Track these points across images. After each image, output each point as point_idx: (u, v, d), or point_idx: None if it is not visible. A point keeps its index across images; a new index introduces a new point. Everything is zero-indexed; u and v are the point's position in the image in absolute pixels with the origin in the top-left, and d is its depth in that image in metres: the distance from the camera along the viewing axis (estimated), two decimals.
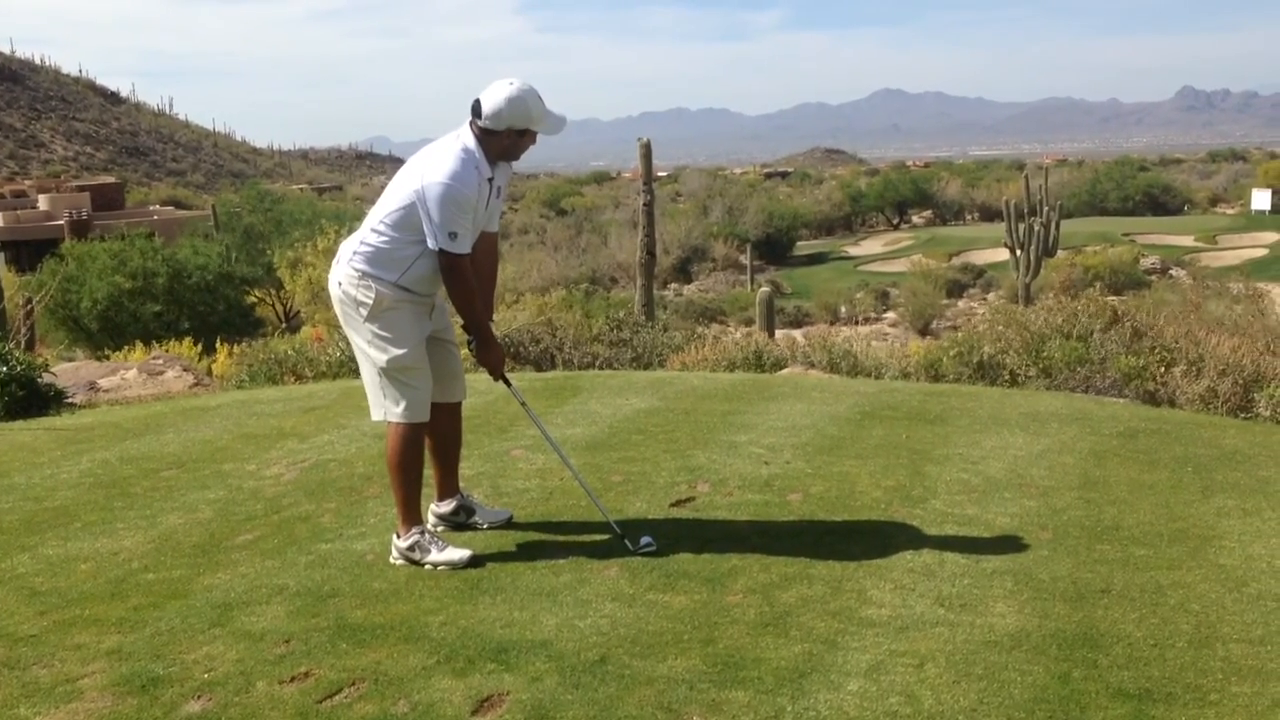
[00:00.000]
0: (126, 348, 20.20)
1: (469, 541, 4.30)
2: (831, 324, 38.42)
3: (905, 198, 71.26)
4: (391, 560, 4.18)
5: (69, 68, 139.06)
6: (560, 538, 4.32)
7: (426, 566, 4.12)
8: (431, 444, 4.43)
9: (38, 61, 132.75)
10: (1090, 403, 6.51)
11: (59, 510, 5.02)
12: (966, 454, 5.27)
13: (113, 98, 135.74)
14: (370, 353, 4.18)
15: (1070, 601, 3.56)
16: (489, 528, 4.48)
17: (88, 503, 5.11)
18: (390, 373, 4.18)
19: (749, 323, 36.39)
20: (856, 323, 38.72)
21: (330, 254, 14.03)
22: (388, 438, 4.25)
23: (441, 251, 4.00)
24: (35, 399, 7.30)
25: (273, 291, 37.63)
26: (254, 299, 33.99)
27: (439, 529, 4.45)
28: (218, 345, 19.29)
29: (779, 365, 8.46)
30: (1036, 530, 4.20)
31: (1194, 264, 44.65)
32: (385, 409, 4.24)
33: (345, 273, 4.12)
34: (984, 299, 41.67)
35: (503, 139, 4.06)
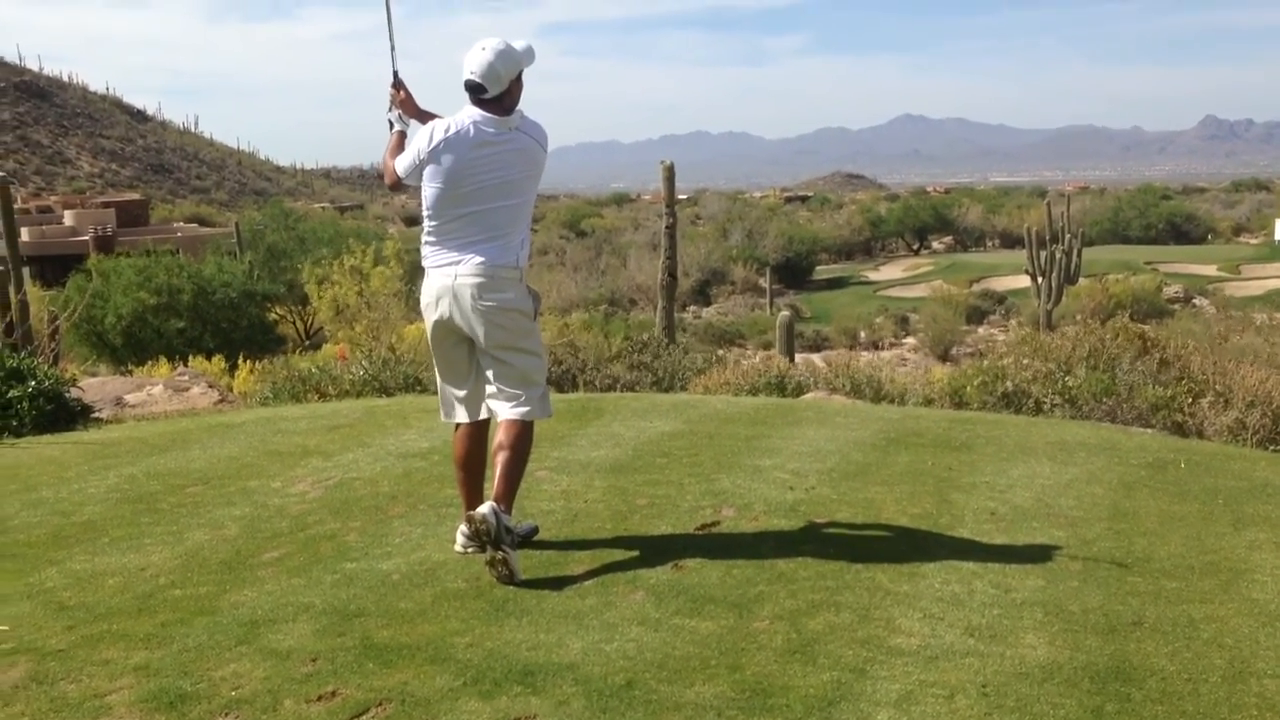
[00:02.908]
0: (151, 363, 20.36)
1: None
2: (851, 348, 38.34)
3: (925, 223, 71.33)
4: (484, 515, 4.01)
5: (96, 85, 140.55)
6: (586, 561, 4.31)
7: (499, 555, 4.04)
8: (469, 461, 4.50)
9: (65, 79, 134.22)
10: (1118, 433, 6.48)
11: (87, 525, 5.04)
12: (993, 482, 5.24)
13: (139, 115, 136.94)
14: (541, 351, 4.45)
15: (1102, 634, 3.53)
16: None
17: (115, 518, 5.13)
18: (545, 371, 4.48)
19: (768, 346, 36.35)
20: (877, 348, 38.68)
21: (358, 272, 14.29)
22: (520, 433, 4.31)
23: None
24: (63, 413, 7.36)
25: (294, 309, 37.93)
26: (276, 316, 34.24)
27: (469, 550, 4.44)
28: (240, 361, 19.43)
29: (801, 390, 8.44)
30: (1066, 561, 4.17)
31: (1217, 294, 44.46)
32: (541, 408, 4.39)
33: (511, 290, 4.26)
34: (1005, 326, 41.56)
35: (514, 92, 4.25)
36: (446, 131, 4.26)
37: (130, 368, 21.55)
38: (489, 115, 4.24)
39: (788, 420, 6.74)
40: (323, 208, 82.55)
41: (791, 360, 20.25)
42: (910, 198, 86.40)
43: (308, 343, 32.49)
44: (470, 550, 4.45)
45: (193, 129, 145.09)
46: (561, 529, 4.71)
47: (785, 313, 21.02)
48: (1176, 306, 41.93)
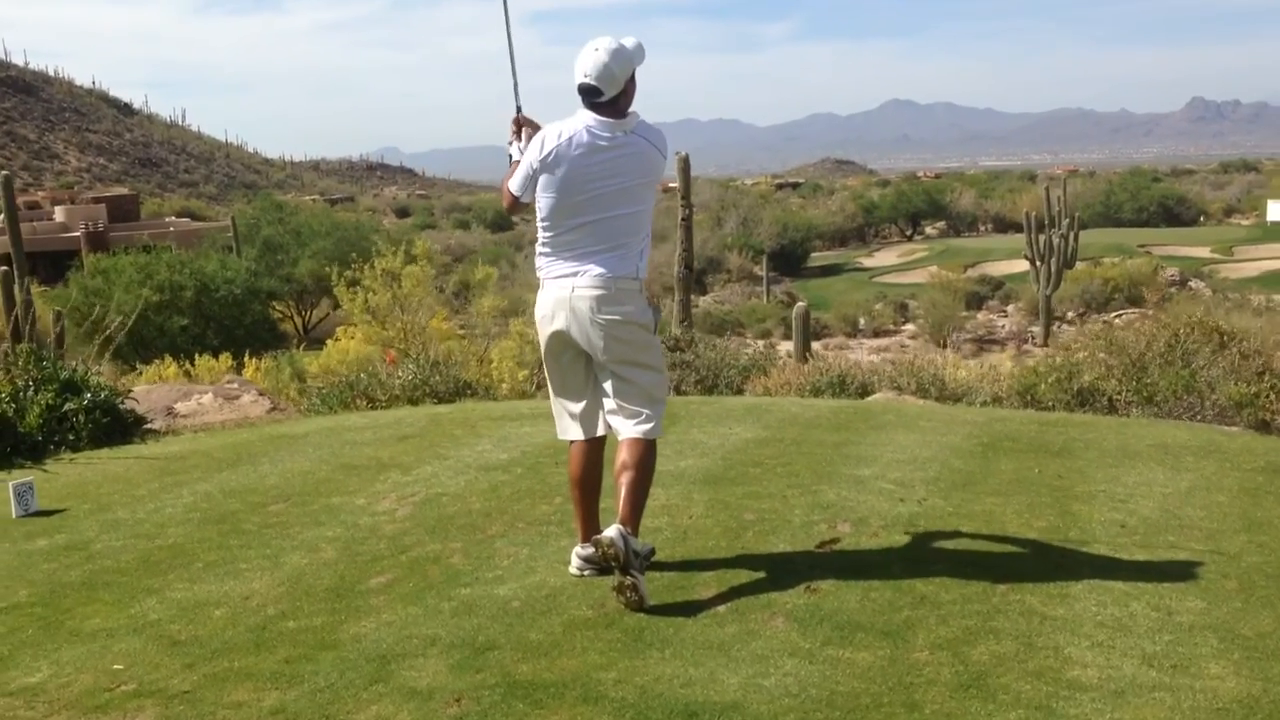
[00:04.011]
0: (156, 361, 20.12)
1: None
2: (850, 336, 38.27)
3: (918, 209, 71.13)
4: (611, 539, 3.84)
5: (82, 79, 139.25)
6: (711, 583, 4.14)
7: (627, 580, 3.86)
8: (585, 482, 4.31)
9: (51, 73, 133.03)
10: (1216, 434, 6.34)
11: (175, 549, 4.86)
12: (1110, 491, 5.09)
13: (125, 109, 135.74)
14: (662, 366, 4.29)
15: None
16: None
17: (202, 540, 4.95)
18: (667, 382, 4.38)
19: (766, 335, 36.19)
20: (877, 335, 38.56)
21: (390, 275, 14.06)
22: (645, 452, 4.14)
23: None
24: (118, 426, 7.16)
25: (292, 304, 37.64)
26: (276, 313, 33.97)
27: (585, 573, 4.28)
28: (246, 359, 19.21)
29: (866, 390, 8.29)
30: (1219, 579, 4.01)
31: (1213, 276, 44.45)
32: (659, 424, 4.21)
33: (632, 303, 4.10)
34: (1004, 311, 41.48)
35: (629, 93, 4.08)
36: (559, 139, 4.08)
37: (136, 366, 21.30)
38: (603, 119, 4.05)
39: (871, 425, 6.58)
40: (313, 200, 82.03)
41: (808, 352, 20.09)
42: (902, 183, 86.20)
43: (305, 338, 32.29)
44: (587, 573, 4.29)
45: (180, 122, 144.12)
46: (674, 548, 4.54)
47: (802, 304, 20.77)
48: (1173, 290, 41.91)
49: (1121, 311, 38.03)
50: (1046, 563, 4.21)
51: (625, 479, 4.09)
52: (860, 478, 5.40)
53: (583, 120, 4.07)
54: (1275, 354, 7.63)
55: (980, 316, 40.44)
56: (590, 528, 4.31)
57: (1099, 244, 48.41)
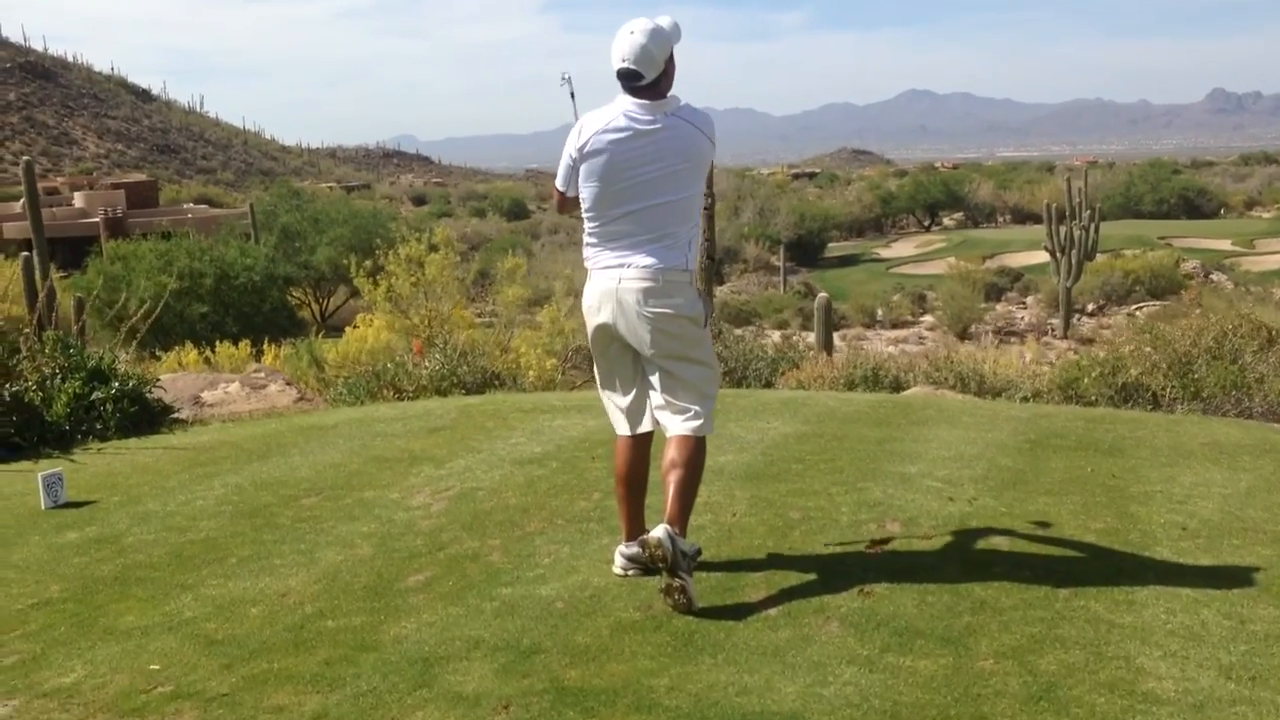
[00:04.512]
0: (177, 348, 20.08)
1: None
2: (868, 327, 38.04)
3: (936, 199, 70.69)
4: (659, 540, 3.71)
5: (101, 65, 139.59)
6: (760, 585, 4.01)
7: (676, 582, 3.74)
8: (631, 479, 4.17)
9: (70, 59, 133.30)
10: (1270, 432, 6.18)
11: (208, 543, 4.76)
12: (1167, 491, 4.94)
13: (144, 95, 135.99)
14: (712, 361, 4.14)
15: None
16: None
17: (235, 534, 4.85)
18: (719, 377, 4.20)
19: (783, 325, 36.00)
20: (895, 326, 38.30)
21: (414, 261, 13.96)
22: (695, 449, 4.00)
23: None
24: (145, 415, 7.06)
25: (310, 291, 37.63)
26: (294, 300, 33.94)
27: (629, 572, 4.16)
28: (266, 346, 19.15)
29: (900, 384, 8.15)
30: None
31: (1235, 268, 44.06)
32: (709, 421, 4.08)
33: (681, 296, 3.96)
34: (1023, 303, 41.18)
35: (669, 74, 3.95)
36: (597, 125, 3.95)
37: (157, 352, 21.29)
38: (642, 103, 3.90)
39: (911, 420, 6.44)
40: (330, 187, 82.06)
41: (830, 345, 19.93)
42: (920, 173, 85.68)
43: (323, 325, 32.27)
44: (631, 572, 4.17)
45: (198, 109, 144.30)
46: (720, 547, 4.41)
47: (823, 295, 20.58)
48: (1194, 282, 41.53)
49: (1143, 304, 37.73)
50: (1108, 566, 4.07)
51: (674, 477, 3.96)
52: (906, 475, 5.26)
53: (621, 106, 3.94)
54: None
55: (999, 308, 40.13)
56: (635, 526, 4.19)
57: (1119, 236, 48.02)
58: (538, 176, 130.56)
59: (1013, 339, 34.78)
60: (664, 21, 3.94)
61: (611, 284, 3.98)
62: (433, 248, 12.83)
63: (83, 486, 5.76)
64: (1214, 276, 43.01)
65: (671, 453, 4.00)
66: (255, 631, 3.81)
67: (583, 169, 3.98)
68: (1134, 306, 37.58)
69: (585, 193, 4.00)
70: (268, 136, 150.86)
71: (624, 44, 3.86)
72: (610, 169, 3.93)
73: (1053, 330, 35.61)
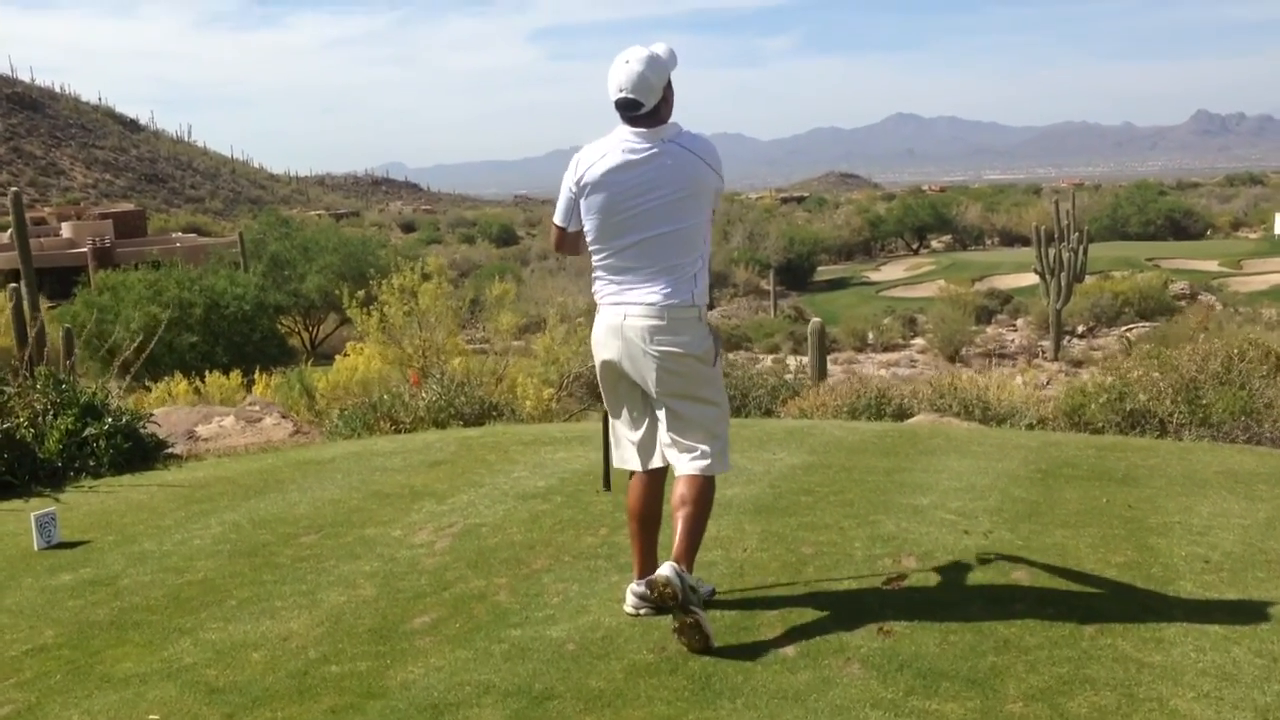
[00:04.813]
0: (167, 379, 19.92)
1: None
2: (859, 350, 38.01)
3: (924, 222, 70.94)
4: (667, 578, 3.64)
5: (88, 96, 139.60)
6: (776, 624, 3.91)
7: (689, 619, 3.65)
8: (644, 515, 4.07)
9: (57, 90, 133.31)
10: None
11: (206, 584, 4.63)
12: (1185, 522, 4.86)
13: (131, 125, 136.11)
14: (721, 400, 4.00)
15: None
16: None
17: (234, 575, 4.73)
18: (728, 414, 4.06)
19: (774, 350, 35.97)
20: (885, 349, 38.27)
21: (407, 291, 13.87)
22: (702, 487, 3.91)
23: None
24: (139, 451, 6.92)
25: (299, 319, 37.48)
26: (285, 328, 33.79)
27: (641, 611, 4.05)
28: (256, 375, 18.99)
29: (904, 412, 8.07)
30: None
31: (1222, 289, 44.20)
32: (721, 461, 3.98)
33: (688, 333, 3.83)
34: (1014, 325, 41.22)
35: (669, 101, 3.86)
36: (593, 157, 3.88)
37: (147, 383, 21.10)
38: (639, 131, 3.82)
39: (919, 450, 6.35)
40: (319, 215, 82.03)
41: (824, 370, 19.84)
42: (908, 196, 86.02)
43: (312, 354, 32.13)
44: (643, 611, 4.06)
45: (186, 138, 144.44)
46: (732, 583, 4.31)
47: (817, 319, 20.56)
48: (1183, 303, 41.63)
49: (1132, 325, 37.81)
50: (1132, 602, 3.98)
51: (682, 514, 3.87)
52: (918, 507, 5.17)
53: (618, 136, 3.85)
54: None
55: (990, 330, 40.15)
56: (648, 563, 4.08)
57: (1107, 257, 48.16)
58: (526, 203, 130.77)
59: (1004, 361, 34.80)
60: (660, 49, 3.86)
61: (617, 320, 3.89)
62: (425, 277, 12.74)
63: (76, 526, 5.63)
64: (1202, 297, 43.14)
65: (680, 489, 3.92)
66: (257, 678, 3.68)
67: (583, 204, 3.90)
68: (1124, 328, 37.66)
69: (588, 226, 3.92)
70: (256, 165, 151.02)
71: (621, 73, 3.77)
72: (609, 200, 3.84)
73: (1043, 352, 35.63)
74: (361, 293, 13.35)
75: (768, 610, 4.04)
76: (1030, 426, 7.74)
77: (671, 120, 3.88)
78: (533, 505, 5.49)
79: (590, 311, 4.61)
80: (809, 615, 3.97)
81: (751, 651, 3.69)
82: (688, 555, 3.83)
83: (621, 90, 3.76)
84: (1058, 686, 3.35)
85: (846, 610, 3.99)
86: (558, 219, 4.00)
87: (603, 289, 3.95)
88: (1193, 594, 4.04)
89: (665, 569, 3.72)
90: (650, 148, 3.80)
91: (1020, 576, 4.26)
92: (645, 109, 3.78)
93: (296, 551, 5.02)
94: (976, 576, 4.27)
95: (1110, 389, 7.54)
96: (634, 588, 4.10)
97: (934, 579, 4.28)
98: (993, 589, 4.15)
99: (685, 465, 3.94)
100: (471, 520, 5.34)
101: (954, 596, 4.09)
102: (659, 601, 3.81)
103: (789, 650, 3.68)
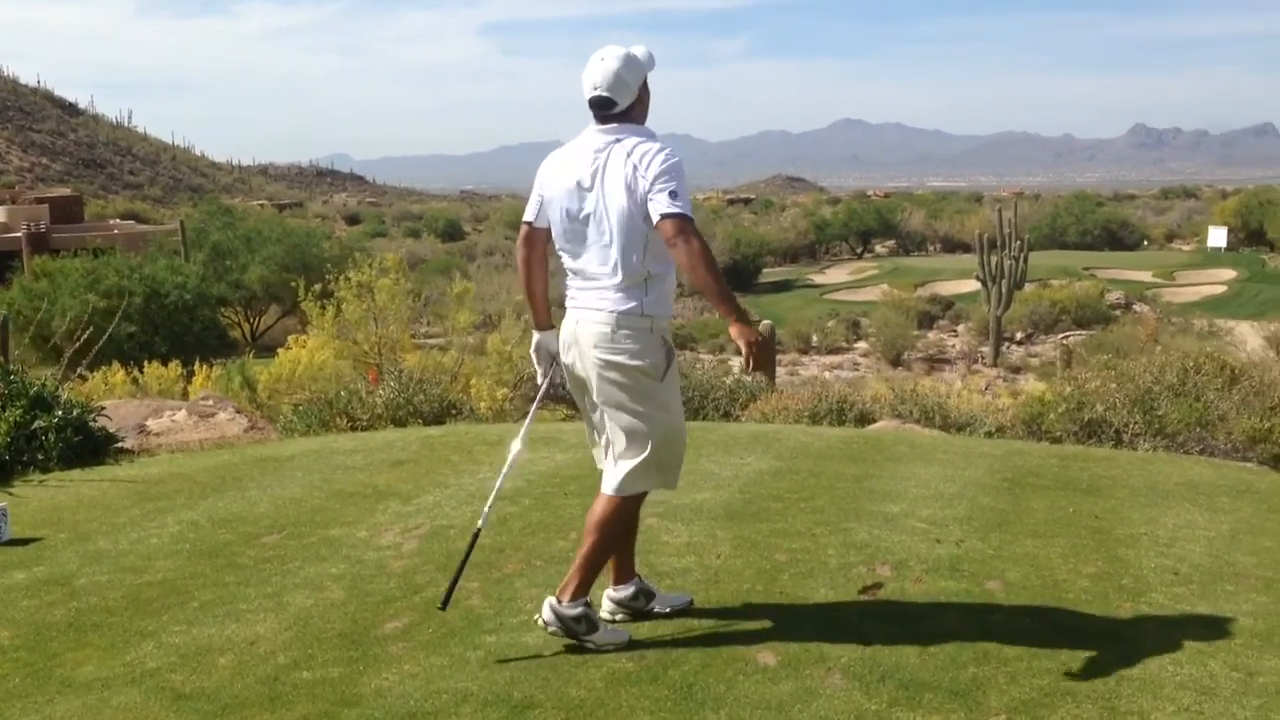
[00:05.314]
0: (104, 369, 19.48)
1: (653, 630, 3.90)
2: (804, 353, 38.24)
3: (869, 227, 71.51)
4: (541, 622, 3.72)
5: (27, 78, 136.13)
6: (755, 632, 3.88)
7: (589, 646, 3.70)
8: None
9: None
10: (1242, 472, 6.20)
11: (166, 585, 4.51)
12: (1152, 534, 4.90)
13: (70, 109, 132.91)
14: (663, 419, 3.74)
15: None
16: (671, 613, 4.05)
17: (195, 576, 4.61)
18: (676, 434, 3.81)
19: (719, 350, 36.07)
20: (829, 352, 38.55)
21: (366, 288, 13.66)
22: (604, 509, 3.77)
23: (672, 216, 3.50)
24: (89, 445, 6.73)
25: (240, 310, 36.90)
26: (226, 320, 33.22)
27: (617, 617, 4.01)
28: (197, 367, 18.63)
29: (866, 418, 8.10)
30: None
31: (1157, 300, 45.11)
32: (643, 481, 3.78)
33: (636, 342, 3.65)
34: (954, 331, 41.73)
35: (644, 102, 3.76)
36: (556, 156, 3.83)
37: (82, 373, 20.61)
38: (601, 129, 3.69)
39: (886, 456, 6.37)
40: (261, 205, 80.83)
41: (773, 374, 19.93)
42: (853, 201, 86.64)
43: (252, 345, 31.65)
44: (620, 617, 4.02)
45: (126, 123, 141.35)
46: (708, 592, 4.27)
47: (767, 322, 20.67)
48: (1119, 313, 42.43)
49: (1069, 333, 38.44)
50: (1107, 613, 4.00)
51: (583, 542, 3.80)
52: (889, 515, 5.17)
53: (584, 135, 3.75)
54: None
55: (931, 335, 40.58)
56: (623, 569, 4.04)
57: (1045, 266, 48.90)
58: (473, 198, 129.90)
59: (944, 366, 35.22)
60: (638, 50, 3.76)
61: (571, 324, 3.80)
62: (383, 272, 12.57)
63: (27, 522, 5.45)
64: (1136, 307, 43.98)
65: (591, 509, 3.82)
66: (225, 684, 3.58)
67: (545, 202, 3.83)
68: (1061, 336, 38.28)
69: (553, 229, 3.84)
70: (198, 152, 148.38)
71: (596, 70, 3.67)
72: (562, 202, 3.75)
73: (983, 358, 36.12)
74: (317, 287, 13.14)
75: (746, 619, 4.02)
76: (989, 434, 7.82)
77: (645, 125, 3.77)
78: (500, 507, 5.38)
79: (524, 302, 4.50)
80: (788, 624, 3.95)
81: (732, 661, 3.66)
82: (572, 588, 3.74)
83: (596, 88, 3.67)
84: (1039, 699, 3.36)
85: (825, 620, 3.98)
86: (526, 214, 3.92)
87: (568, 293, 3.84)
88: (1165, 606, 4.08)
89: (544, 609, 3.74)
90: (603, 151, 3.66)
91: (995, 587, 4.28)
92: (618, 108, 3.69)
93: (259, 552, 4.90)
94: (952, 586, 4.28)
95: (1069, 399, 7.64)
96: (610, 593, 4.06)
97: (910, 588, 4.28)
98: (969, 599, 4.16)
99: (603, 480, 3.83)
100: (439, 522, 5.26)
101: (931, 607, 4.10)
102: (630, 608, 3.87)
103: (770, 660, 3.65)
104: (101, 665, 3.76)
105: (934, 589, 4.26)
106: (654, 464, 3.77)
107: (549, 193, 3.79)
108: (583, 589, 3.76)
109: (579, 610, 3.73)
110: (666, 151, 3.62)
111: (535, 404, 4.38)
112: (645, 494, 3.88)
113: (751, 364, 3.56)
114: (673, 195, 3.53)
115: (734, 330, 3.56)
